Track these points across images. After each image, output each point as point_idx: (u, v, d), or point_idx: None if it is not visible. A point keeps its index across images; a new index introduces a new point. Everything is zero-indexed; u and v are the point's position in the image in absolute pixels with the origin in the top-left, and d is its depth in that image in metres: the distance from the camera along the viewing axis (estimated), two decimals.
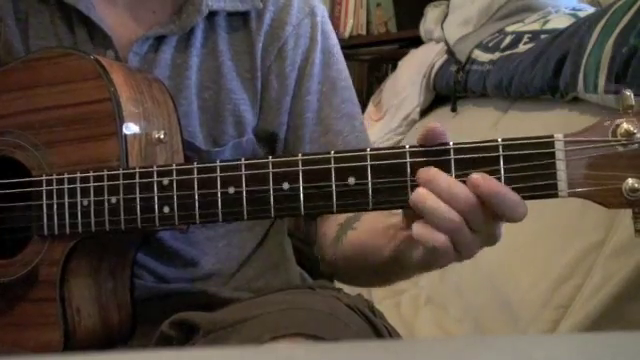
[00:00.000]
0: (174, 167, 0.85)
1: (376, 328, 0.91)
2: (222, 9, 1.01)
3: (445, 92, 2.12)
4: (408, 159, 0.76)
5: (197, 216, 0.84)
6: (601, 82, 1.31)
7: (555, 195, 0.74)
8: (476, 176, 0.73)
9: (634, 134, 0.72)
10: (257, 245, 1.08)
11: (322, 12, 1.08)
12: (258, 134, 1.05)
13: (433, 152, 0.76)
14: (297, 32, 1.05)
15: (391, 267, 0.86)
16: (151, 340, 0.91)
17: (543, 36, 1.70)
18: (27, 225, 0.92)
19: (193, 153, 0.99)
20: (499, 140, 0.74)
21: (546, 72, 1.53)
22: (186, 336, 0.87)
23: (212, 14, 1.02)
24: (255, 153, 1.04)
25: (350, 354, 0.44)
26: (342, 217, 1.01)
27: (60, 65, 0.93)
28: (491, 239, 0.77)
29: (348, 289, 1.01)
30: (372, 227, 0.91)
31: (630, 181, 0.72)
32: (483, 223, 0.74)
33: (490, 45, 1.90)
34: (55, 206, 0.90)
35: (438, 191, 0.73)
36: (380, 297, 1.74)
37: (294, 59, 1.04)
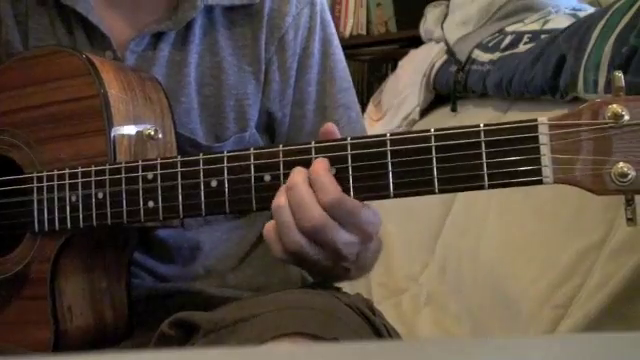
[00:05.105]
0: (158, 161, 0.86)
1: (375, 327, 0.90)
2: (218, 4, 1.01)
3: (445, 92, 2.11)
4: (389, 147, 0.75)
5: (181, 209, 0.84)
6: (601, 82, 1.31)
7: (540, 182, 0.72)
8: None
9: (622, 116, 0.69)
10: (257, 242, 1.08)
11: (321, 1, 1.08)
12: (262, 126, 1.05)
13: (414, 139, 0.75)
14: (297, 22, 1.04)
15: None
16: (151, 340, 0.90)
17: (543, 36, 1.69)
18: (20, 223, 0.92)
19: (195, 149, 0.99)
20: (481, 125, 0.73)
21: (546, 72, 1.52)
22: (186, 336, 0.87)
23: (210, 9, 1.01)
24: None
25: (350, 354, 0.44)
26: None
27: (51, 63, 0.93)
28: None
29: (348, 288, 1.01)
30: None
31: (620, 165, 0.69)
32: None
33: (490, 45, 1.90)
34: (45, 202, 0.90)
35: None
36: (380, 297, 1.74)
37: (294, 50, 1.04)
